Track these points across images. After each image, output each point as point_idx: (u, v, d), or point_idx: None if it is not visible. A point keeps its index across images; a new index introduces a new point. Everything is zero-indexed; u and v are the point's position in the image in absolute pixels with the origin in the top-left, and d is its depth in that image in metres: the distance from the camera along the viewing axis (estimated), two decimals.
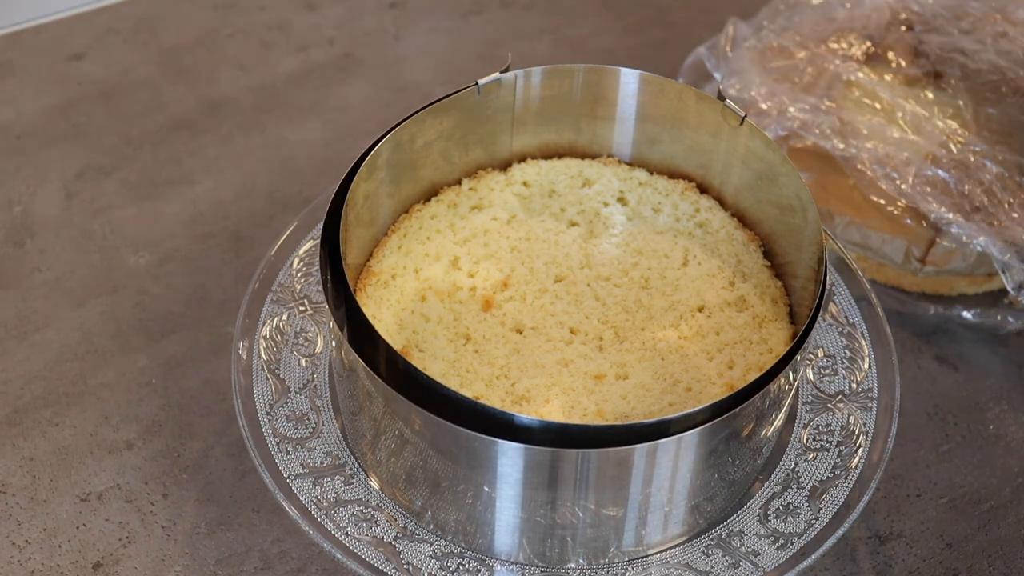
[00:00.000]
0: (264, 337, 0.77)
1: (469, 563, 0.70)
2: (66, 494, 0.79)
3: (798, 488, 0.72)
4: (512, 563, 0.70)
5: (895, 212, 0.90)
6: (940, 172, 0.92)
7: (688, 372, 0.73)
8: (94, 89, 1.06)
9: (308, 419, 0.74)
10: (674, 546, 0.71)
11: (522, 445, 0.63)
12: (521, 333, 0.75)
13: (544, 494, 0.66)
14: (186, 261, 0.93)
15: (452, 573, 0.69)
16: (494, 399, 0.71)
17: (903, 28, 1.02)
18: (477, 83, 0.77)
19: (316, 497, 0.71)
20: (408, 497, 0.70)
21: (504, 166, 0.83)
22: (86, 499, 0.78)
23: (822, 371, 0.78)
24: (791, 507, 0.72)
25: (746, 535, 0.71)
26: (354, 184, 0.72)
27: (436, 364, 0.72)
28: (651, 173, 0.83)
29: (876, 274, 0.93)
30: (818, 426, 0.75)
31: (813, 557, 0.70)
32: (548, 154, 0.83)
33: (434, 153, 0.79)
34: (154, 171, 0.99)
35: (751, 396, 0.65)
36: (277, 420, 0.74)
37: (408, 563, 0.69)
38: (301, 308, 0.79)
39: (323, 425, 0.74)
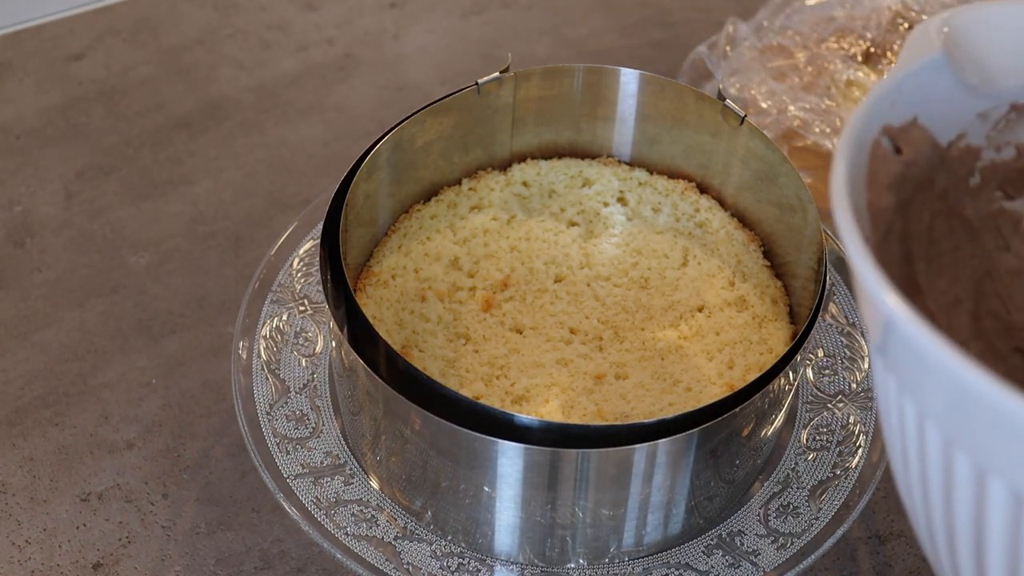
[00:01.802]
0: (264, 337, 0.77)
1: (469, 563, 0.70)
2: (66, 494, 0.79)
3: (798, 488, 0.73)
4: (512, 563, 0.70)
5: None
6: None
7: (688, 372, 0.73)
8: (94, 89, 1.06)
9: (308, 419, 0.74)
10: (674, 546, 0.71)
11: (522, 445, 0.63)
12: (521, 333, 0.75)
13: (544, 494, 0.66)
14: (186, 261, 0.93)
15: (452, 573, 0.69)
16: (493, 399, 0.71)
17: (903, 28, 1.02)
18: (477, 83, 0.77)
19: (316, 497, 0.71)
20: (408, 497, 0.71)
21: (504, 166, 0.83)
22: (86, 499, 0.78)
23: (822, 371, 0.78)
24: (791, 507, 0.72)
25: (746, 535, 0.71)
26: (354, 184, 0.72)
27: (436, 364, 0.72)
28: (651, 173, 0.83)
29: None
30: (818, 426, 0.75)
31: (813, 557, 0.70)
32: (548, 154, 0.83)
33: (434, 153, 0.79)
34: (154, 171, 0.99)
35: (751, 396, 0.65)
36: (277, 420, 0.74)
37: (408, 563, 0.69)
38: (301, 308, 0.79)
39: (323, 425, 0.74)
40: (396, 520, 0.71)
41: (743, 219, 0.81)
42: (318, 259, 0.74)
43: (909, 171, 0.54)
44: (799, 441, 0.74)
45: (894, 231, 0.53)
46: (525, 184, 0.82)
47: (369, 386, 0.67)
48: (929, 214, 0.56)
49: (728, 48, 1.03)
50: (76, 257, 0.93)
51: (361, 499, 0.71)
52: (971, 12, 0.56)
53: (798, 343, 0.67)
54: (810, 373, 0.77)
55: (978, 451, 0.43)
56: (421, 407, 0.64)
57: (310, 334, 0.78)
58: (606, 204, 0.81)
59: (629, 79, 0.79)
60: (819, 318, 0.76)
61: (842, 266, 0.81)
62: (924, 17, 1.03)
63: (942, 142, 0.56)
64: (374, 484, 0.72)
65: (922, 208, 0.56)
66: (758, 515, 0.72)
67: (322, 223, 0.71)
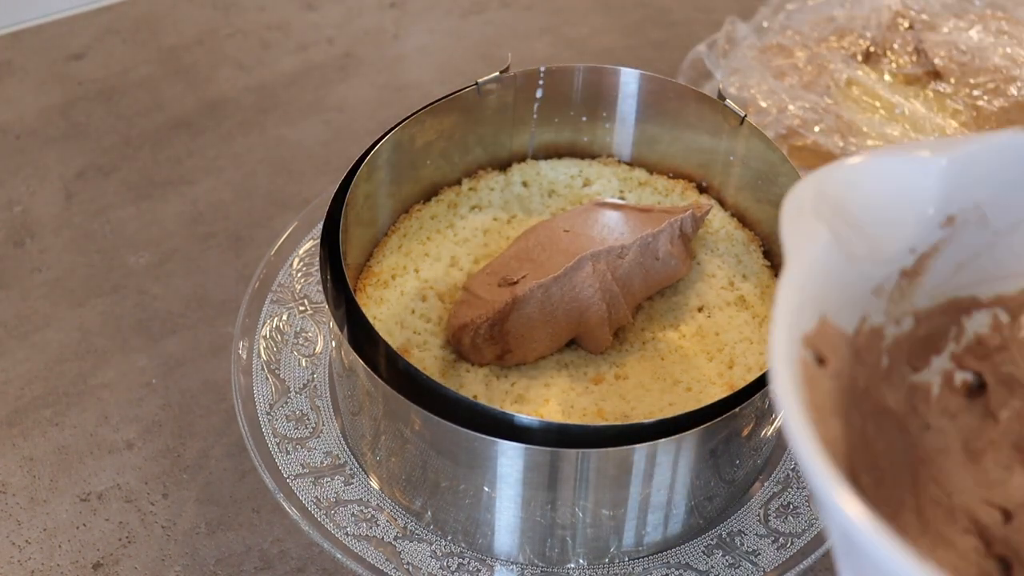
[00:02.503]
0: (264, 337, 0.77)
1: (469, 563, 0.70)
2: (66, 494, 0.79)
3: (798, 488, 0.72)
4: (512, 563, 0.70)
5: None
6: None
7: (688, 372, 0.73)
8: (94, 89, 1.06)
9: (308, 419, 0.74)
10: (674, 546, 0.71)
11: (522, 445, 0.63)
12: None
13: (544, 494, 0.66)
14: (186, 261, 0.93)
15: (452, 573, 0.69)
16: (493, 399, 0.71)
17: (903, 27, 1.02)
18: (477, 83, 0.77)
19: (316, 497, 0.71)
20: (408, 497, 0.70)
21: (504, 166, 0.83)
22: (86, 499, 0.78)
23: None
24: (791, 507, 0.72)
25: (746, 535, 0.71)
26: (354, 184, 0.72)
27: (436, 364, 0.72)
28: (651, 173, 0.83)
29: None
30: None
31: (813, 557, 0.69)
32: (548, 154, 0.83)
33: (434, 153, 0.79)
34: (154, 171, 0.99)
35: (751, 396, 0.65)
36: (277, 420, 0.74)
37: (408, 563, 0.69)
38: (301, 308, 0.79)
39: (323, 425, 0.74)
40: (396, 520, 0.71)
41: (743, 219, 0.81)
42: (318, 259, 0.74)
43: (839, 383, 0.51)
44: None
45: (839, 454, 0.50)
46: (525, 184, 0.82)
47: (369, 386, 0.67)
48: (860, 418, 0.53)
49: (728, 48, 1.03)
50: (76, 257, 0.93)
51: (361, 499, 0.71)
52: (839, 172, 0.53)
53: None
54: None
55: None
56: (421, 407, 0.64)
57: (310, 334, 0.78)
58: None
59: (629, 79, 0.79)
60: None
61: None
62: (924, 17, 1.03)
63: (849, 331, 0.53)
64: (374, 484, 0.72)
65: (854, 415, 0.52)
66: (758, 515, 0.72)
67: (322, 223, 0.71)
